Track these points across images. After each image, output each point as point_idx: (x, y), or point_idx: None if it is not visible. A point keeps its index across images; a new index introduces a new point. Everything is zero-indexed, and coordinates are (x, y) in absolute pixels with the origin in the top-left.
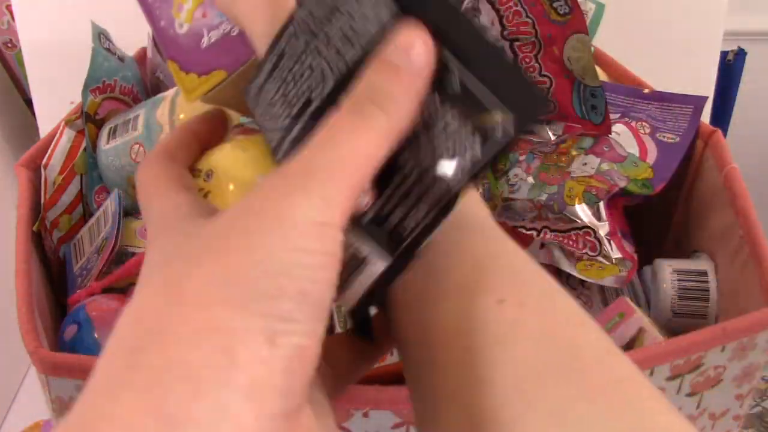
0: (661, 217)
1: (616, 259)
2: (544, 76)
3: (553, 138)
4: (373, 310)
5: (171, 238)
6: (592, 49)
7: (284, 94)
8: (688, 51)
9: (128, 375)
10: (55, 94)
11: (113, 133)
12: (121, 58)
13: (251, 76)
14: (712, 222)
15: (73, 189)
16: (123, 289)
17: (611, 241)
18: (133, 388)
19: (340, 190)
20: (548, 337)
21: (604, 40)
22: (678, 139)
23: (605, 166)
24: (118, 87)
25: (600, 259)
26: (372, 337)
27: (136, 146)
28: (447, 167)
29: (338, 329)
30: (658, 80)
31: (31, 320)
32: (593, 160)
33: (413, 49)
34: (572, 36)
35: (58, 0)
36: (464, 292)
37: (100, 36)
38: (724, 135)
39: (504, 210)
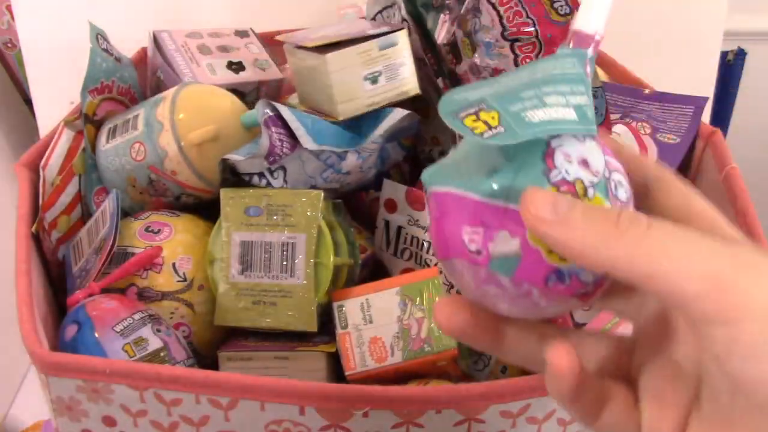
0: None
1: None
2: None
3: None
4: None
5: None
6: None
7: None
8: (688, 51)
9: None
10: (55, 94)
11: (113, 133)
12: (118, 59)
13: None
14: None
15: (71, 189)
16: (122, 289)
17: None
18: None
19: None
20: None
21: (604, 40)
22: (678, 139)
23: None
24: (116, 87)
25: None
26: None
27: (137, 145)
28: None
29: (339, 330)
30: (658, 80)
31: (31, 320)
32: None
33: None
34: None
35: (58, 0)
36: None
37: (98, 36)
38: (724, 135)
39: None
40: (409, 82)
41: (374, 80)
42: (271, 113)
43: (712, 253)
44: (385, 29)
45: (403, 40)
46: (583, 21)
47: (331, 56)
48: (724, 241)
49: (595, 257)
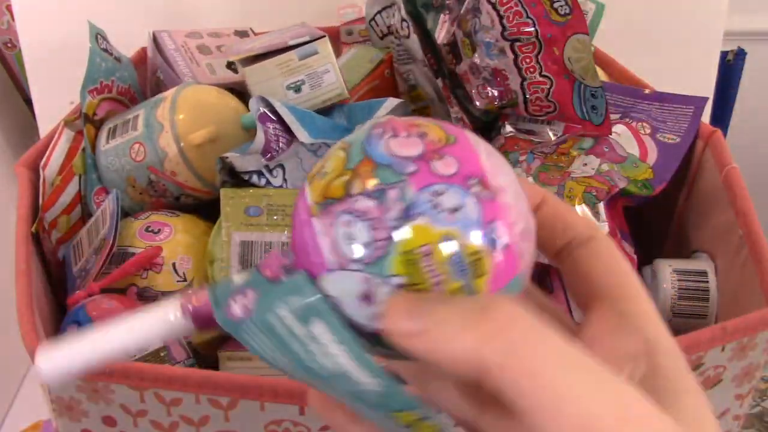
0: (661, 217)
1: None
2: (545, 76)
3: (553, 138)
4: None
5: None
6: (592, 48)
7: None
8: (688, 51)
9: None
10: (55, 94)
11: (113, 133)
12: (118, 59)
13: None
14: (712, 222)
15: (71, 189)
16: (123, 290)
17: None
18: None
19: None
20: None
21: (604, 40)
22: (678, 139)
23: (605, 167)
24: (116, 87)
25: None
26: None
27: (137, 145)
28: None
29: None
30: (658, 80)
31: (31, 320)
32: (593, 161)
33: None
34: (573, 36)
35: (58, 0)
36: None
37: (97, 36)
38: (724, 135)
39: None
40: (335, 87)
41: (297, 89)
42: (265, 109)
43: (594, 391)
44: (305, 38)
45: (323, 48)
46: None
47: (248, 70)
48: (611, 376)
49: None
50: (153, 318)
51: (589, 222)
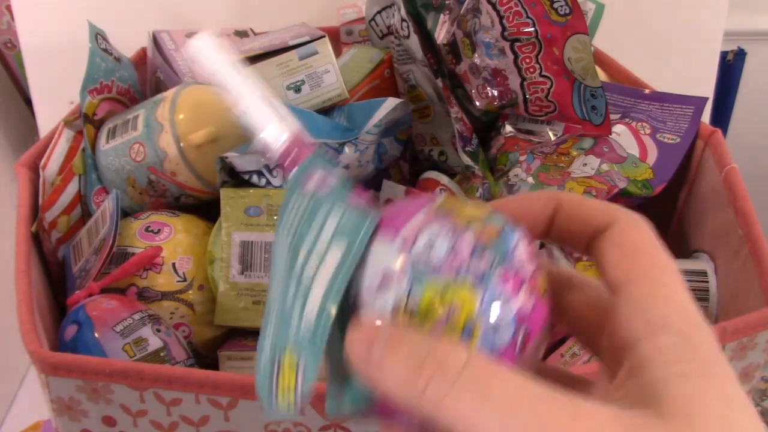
0: (661, 218)
1: None
2: (545, 76)
3: (553, 138)
4: None
5: None
6: (592, 49)
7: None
8: (688, 51)
9: None
10: (55, 94)
11: (112, 133)
12: (118, 59)
13: None
14: (712, 222)
15: (71, 189)
16: (122, 289)
17: None
18: None
19: None
20: None
21: (604, 40)
22: (678, 139)
23: (605, 167)
24: (116, 87)
25: None
26: None
27: (137, 146)
28: None
29: None
30: (658, 80)
31: (31, 320)
32: (593, 161)
33: None
34: (573, 36)
35: (58, 0)
36: None
37: (97, 36)
38: (724, 135)
39: None
40: (335, 87)
41: (297, 89)
42: None
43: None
44: (305, 38)
45: (323, 48)
46: (270, 132)
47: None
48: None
49: (408, 407)
50: (270, 113)
51: (606, 208)
